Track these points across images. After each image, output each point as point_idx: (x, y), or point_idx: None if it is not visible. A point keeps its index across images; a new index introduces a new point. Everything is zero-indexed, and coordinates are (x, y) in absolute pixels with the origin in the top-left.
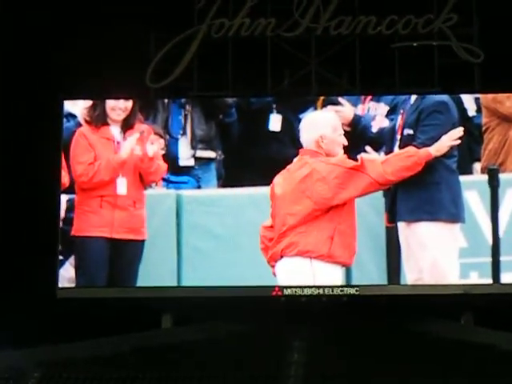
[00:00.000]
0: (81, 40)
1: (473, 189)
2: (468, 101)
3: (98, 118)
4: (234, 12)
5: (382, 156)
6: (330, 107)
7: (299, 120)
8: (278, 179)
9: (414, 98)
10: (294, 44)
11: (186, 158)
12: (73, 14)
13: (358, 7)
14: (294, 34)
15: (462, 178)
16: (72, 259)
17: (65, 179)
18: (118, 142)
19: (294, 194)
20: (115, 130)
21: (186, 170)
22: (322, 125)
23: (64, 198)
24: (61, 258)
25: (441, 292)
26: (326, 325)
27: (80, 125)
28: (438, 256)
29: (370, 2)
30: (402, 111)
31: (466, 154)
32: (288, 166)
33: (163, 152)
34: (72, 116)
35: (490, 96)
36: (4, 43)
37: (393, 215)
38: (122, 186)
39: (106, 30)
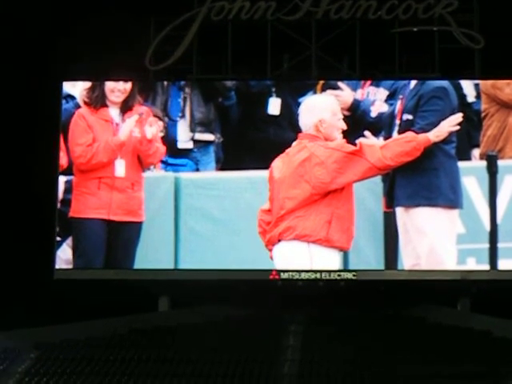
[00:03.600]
0: (81, 22)
1: (471, 175)
2: (468, 87)
3: (97, 100)
4: None
5: (380, 141)
6: (329, 91)
7: (298, 104)
8: (277, 163)
9: (413, 83)
10: (294, 28)
11: (184, 140)
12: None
13: None
14: (294, 17)
15: (461, 164)
16: (69, 241)
17: (63, 160)
18: (117, 124)
19: (293, 177)
20: (114, 112)
21: (185, 153)
22: (322, 109)
23: (62, 179)
24: (58, 239)
25: (438, 278)
26: (322, 309)
27: (79, 106)
28: (435, 242)
29: None
30: (401, 96)
31: (465, 140)
32: (287, 150)
33: (162, 134)
34: (71, 97)
35: (490, 82)
36: (3, 25)
37: (391, 200)
38: (120, 167)
39: (106, 13)
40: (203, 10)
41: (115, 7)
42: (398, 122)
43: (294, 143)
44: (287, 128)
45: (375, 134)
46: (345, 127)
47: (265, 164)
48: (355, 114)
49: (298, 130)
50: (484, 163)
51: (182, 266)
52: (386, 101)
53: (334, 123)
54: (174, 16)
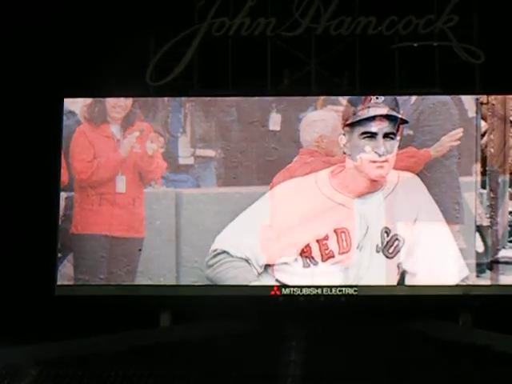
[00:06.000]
0: (81, 38)
1: (472, 190)
2: (468, 102)
3: (98, 116)
4: (234, 11)
5: (381, 156)
6: (329, 107)
7: (299, 120)
8: (278, 179)
9: (414, 98)
10: (294, 44)
11: (185, 156)
12: (73, 13)
13: (359, 7)
14: (294, 33)
15: (462, 179)
16: (71, 257)
17: (64, 177)
18: (118, 140)
19: (294, 193)
20: (115, 128)
21: (186, 169)
22: (322, 125)
23: (63, 195)
24: (59, 255)
25: (439, 293)
26: (323, 324)
27: (80, 122)
28: (436, 257)
29: (371, 2)
30: (402, 112)
31: (466, 155)
32: (288, 166)
33: (163, 150)
34: (72, 113)
35: (491, 97)
36: (4, 40)
37: (392, 215)
38: (121, 183)
39: (107, 28)
40: (204, 26)
41: (115, 23)
42: (398, 137)
43: (295, 159)
44: (288, 144)
45: (376, 149)
46: (345, 142)
47: (266, 180)
48: (356, 130)
49: (299, 145)
50: (485, 178)
51: (184, 281)
52: (387, 116)
53: (334, 139)
54: (174, 32)
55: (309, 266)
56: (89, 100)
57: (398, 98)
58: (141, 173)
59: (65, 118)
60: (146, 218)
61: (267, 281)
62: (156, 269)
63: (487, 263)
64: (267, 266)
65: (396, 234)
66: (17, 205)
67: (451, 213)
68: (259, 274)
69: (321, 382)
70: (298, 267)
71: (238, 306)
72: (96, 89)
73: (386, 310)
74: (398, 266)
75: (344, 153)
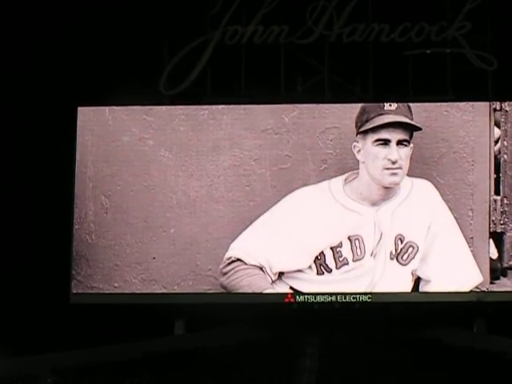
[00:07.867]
0: (95, 47)
1: (486, 196)
2: (481, 108)
3: (112, 125)
4: (247, 19)
5: (395, 163)
6: (343, 114)
7: (312, 127)
8: (292, 186)
9: (427, 105)
10: (307, 51)
11: (199, 164)
12: (86, 21)
13: (372, 15)
14: (308, 41)
15: (475, 186)
16: (85, 265)
17: (78, 185)
18: (131, 149)
19: (308, 201)
20: (129, 137)
21: (199, 177)
22: (336, 132)
23: (78, 204)
24: (74, 264)
25: (453, 299)
26: (338, 332)
27: (94, 131)
28: (450, 263)
29: (384, 9)
30: (415, 119)
31: (479, 162)
32: (301, 173)
33: (176, 158)
34: (85, 122)
35: (504, 103)
36: (17, 50)
37: (406, 222)
38: (135, 192)
39: (120, 37)
40: (217, 35)
41: (128, 32)
42: (411, 144)
43: (309, 166)
44: (302, 151)
45: (389, 156)
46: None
47: (279, 187)
48: (369, 137)
49: (312, 152)
50: (499, 185)
51: (198, 289)
52: (400, 123)
53: (348, 146)
54: (187, 40)
55: (323, 273)
56: (102, 109)
57: (411, 104)
58: (154, 181)
59: (78, 126)
60: (160, 226)
61: (281, 288)
62: (170, 277)
63: (501, 269)
64: (281, 274)
65: (410, 241)
66: (32, 213)
67: (465, 219)
68: (273, 282)
69: None
70: (312, 274)
71: (252, 313)
72: (110, 98)
73: (401, 316)
74: (412, 273)
75: (357, 160)
